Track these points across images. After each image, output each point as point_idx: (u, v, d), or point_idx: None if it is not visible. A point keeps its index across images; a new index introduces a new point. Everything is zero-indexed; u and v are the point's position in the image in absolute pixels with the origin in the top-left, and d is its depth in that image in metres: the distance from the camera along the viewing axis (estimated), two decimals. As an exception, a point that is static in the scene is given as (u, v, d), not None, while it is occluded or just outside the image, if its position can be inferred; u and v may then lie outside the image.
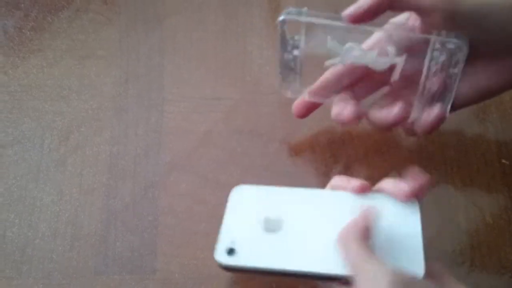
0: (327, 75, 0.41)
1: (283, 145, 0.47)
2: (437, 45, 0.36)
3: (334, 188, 0.38)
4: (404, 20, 0.39)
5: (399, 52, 0.38)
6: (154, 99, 0.48)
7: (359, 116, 0.40)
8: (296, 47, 0.39)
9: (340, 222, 0.34)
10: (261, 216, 0.37)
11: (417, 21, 0.37)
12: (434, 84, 0.38)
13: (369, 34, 0.39)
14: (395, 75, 0.39)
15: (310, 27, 0.37)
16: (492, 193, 0.45)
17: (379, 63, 0.38)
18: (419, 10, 0.36)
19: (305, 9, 0.37)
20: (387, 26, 0.38)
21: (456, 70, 0.37)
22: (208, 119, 0.48)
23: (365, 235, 0.32)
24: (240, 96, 0.49)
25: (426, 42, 0.36)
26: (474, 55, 0.36)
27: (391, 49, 0.37)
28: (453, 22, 0.35)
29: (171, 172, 0.46)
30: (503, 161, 0.46)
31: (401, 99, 0.39)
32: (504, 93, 0.47)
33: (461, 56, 0.36)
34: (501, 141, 0.47)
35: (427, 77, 0.38)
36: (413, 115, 0.40)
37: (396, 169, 0.44)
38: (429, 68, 0.37)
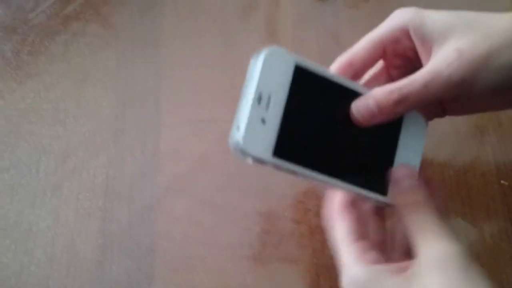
0: None
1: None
2: None
3: None
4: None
5: None
6: (151, 122, 0.48)
7: None
8: None
9: None
10: None
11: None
12: None
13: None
14: None
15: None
16: (492, 214, 0.45)
17: None
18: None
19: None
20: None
21: None
22: (205, 142, 0.48)
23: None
24: (237, 118, 0.48)
25: None
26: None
27: None
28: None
29: (167, 195, 0.45)
30: (502, 182, 0.46)
31: None
32: (502, 115, 0.47)
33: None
34: (500, 162, 0.46)
35: None
36: None
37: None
38: None
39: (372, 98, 0.32)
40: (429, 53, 0.33)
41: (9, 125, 0.48)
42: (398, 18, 0.34)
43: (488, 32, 0.32)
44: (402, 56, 0.36)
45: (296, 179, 0.32)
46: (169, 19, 0.53)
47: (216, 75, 0.50)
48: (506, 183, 0.46)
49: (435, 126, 0.47)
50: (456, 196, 0.45)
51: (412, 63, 0.36)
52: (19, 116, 0.48)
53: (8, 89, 0.49)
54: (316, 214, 0.45)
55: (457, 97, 0.33)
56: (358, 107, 0.32)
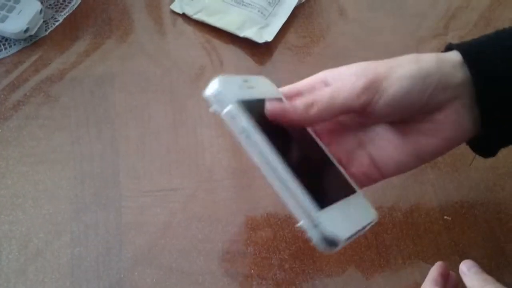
0: None
1: (242, 227, 0.48)
2: None
3: None
4: None
5: None
6: (111, 196, 0.49)
7: None
8: None
9: None
10: None
11: None
12: None
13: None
14: None
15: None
16: (441, 249, 0.48)
17: None
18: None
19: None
20: None
21: None
22: (167, 211, 0.49)
23: None
24: (196, 184, 0.50)
25: None
26: (400, 125, 0.38)
27: None
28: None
29: (135, 268, 0.46)
30: (446, 217, 0.50)
31: None
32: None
33: None
34: (441, 199, 0.51)
35: None
36: None
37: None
38: None
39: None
40: None
41: (-34, 215, 0.47)
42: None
43: (386, 61, 0.37)
44: None
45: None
46: (119, 95, 0.55)
47: (170, 144, 0.52)
48: (449, 218, 0.50)
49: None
50: (406, 236, 0.48)
51: None
52: (-25, 205, 0.48)
53: (-38, 179, 0.49)
54: (279, 268, 0.46)
55: (363, 109, 0.36)
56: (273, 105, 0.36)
